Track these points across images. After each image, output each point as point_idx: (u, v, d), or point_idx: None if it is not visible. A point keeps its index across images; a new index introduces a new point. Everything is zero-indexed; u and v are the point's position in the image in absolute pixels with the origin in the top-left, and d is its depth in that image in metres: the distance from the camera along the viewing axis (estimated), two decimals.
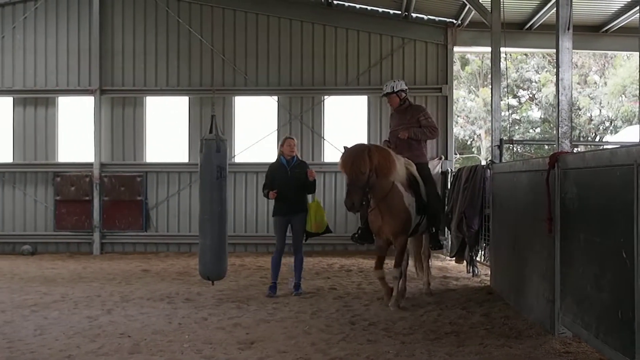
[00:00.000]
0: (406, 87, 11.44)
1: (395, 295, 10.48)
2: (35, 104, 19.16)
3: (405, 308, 10.37)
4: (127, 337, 8.62)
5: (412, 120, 11.18)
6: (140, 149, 19.02)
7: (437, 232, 11.00)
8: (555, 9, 8.72)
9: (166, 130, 19.10)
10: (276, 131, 18.43)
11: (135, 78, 19.05)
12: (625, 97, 33.81)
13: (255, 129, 18.70)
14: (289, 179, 11.73)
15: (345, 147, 10.23)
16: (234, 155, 18.53)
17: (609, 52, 29.79)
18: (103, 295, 11.75)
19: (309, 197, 12.10)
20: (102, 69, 18.93)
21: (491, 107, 13.23)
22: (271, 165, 12.15)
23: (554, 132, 9.53)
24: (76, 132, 19.18)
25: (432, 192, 10.82)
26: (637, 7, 15.78)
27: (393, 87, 11.28)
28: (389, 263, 11.40)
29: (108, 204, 18.76)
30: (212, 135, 11.36)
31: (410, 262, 11.86)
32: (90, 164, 18.74)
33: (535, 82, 37.37)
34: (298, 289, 11.84)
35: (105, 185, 18.73)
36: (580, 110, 34.54)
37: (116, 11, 19.10)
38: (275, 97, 18.86)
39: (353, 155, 9.92)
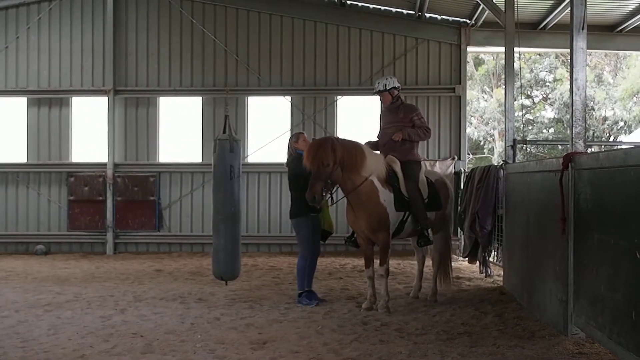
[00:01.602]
0: (399, 85, 11.19)
1: (384, 296, 10.37)
2: (50, 104, 19.23)
3: (392, 312, 10.21)
4: (139, 336, 8.64)
5: (405, 120, 10.94)
6: (154, 149, 19.06)
7: (423, 229, 10.81)
8: (569, 8, 8.69)
9: (179, 130, 19.14)
10: (289, 131, 18.42)
11: (149, 78, 19.09)
12: (638, 98, 33.69)
13: (269, 129, 18.71)
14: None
15: (313, 139, 10.20)
16: (247, 156, 18.55)
17: (622, 52, 29.65)
18: (116, 295, 11.78)
19: None
20: (116, 69, 18.99)
21: (505, 107, 13.20)
22: (296, 162, 10.90)
23: (568, 132, 9.51)
24: (90, 132, 19.25)
25: (413, 189, 10.60)
26: None
27: (385, 85, 11.03)
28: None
29: (121, 204, 18.81)
30: (225, 136, 11.35)
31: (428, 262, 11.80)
32: (104, 164, 18.81)
33: (549, 82, 37.26)
34: (308, 299, 11.08)
35: (119, 185, 18.78)
36: (593, 110, 34.41)
37: (130, 11, 19.16)
38: (289, 97, 18.87)
39: (317, 147, 9.91)
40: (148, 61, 19.10)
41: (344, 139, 10.32)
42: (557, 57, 34.92)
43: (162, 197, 18.88)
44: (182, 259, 17.41)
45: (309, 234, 11.03)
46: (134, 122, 19.10)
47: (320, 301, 11.01)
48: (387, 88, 11.02)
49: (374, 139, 11.32)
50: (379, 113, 11.60)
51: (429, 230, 11.06)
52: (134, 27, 19.15)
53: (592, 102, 33.52)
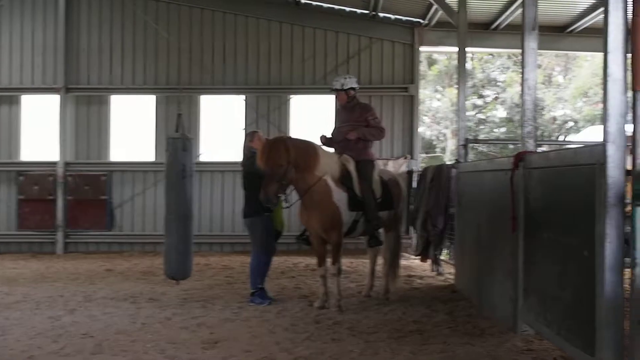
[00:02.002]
0: (357, 86, 11.20)
1: (336, 295, 10.39)
2: None
3: (344, 310, 10.20)
4: (89, 337, 8.54)
5: (360, 119, 10.96)
6: (105, 148, 18.88)
7: (374, 230, 10.86)
8: (521, 9, 8.79)
9: (132, 129, 18.97)
10: (243, 130, 18.37)
11: (101, 76, 18.89)
12: (588, 98, 34.17)
13: (222, 128, 18.65)
14: None
15: (266, 139, 10.22)
16: (200, 154, 18.45)
17: (572, 53, 30.05)
18: (66, 295, 11.63)
19: None
20: (68, 67, 18.76)
21: (457, 106, 13.30)
22: (251, 161, 10.82)
23: (519, 131, 9.60)
24: (40, 130, 19.00)
25: (366, 189, 10.62)
26: (602, 9, 15.91)
27: (343, 85, 11.01)
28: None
29: (72, 203, 18.58)
30: (178, 134, 11.32)
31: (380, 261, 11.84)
32: (54, 163, 18.55)
33: (501, 82, 37.62)
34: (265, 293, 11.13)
35: (70, 184, 18.55)
36: (543, 110, 34.82)
37: (82, 9, 18.93)
38: (242, 96, 18.81)
39: (270, 147, 9.89)
40: (100, 59, 18.89)
41: (297, 139, 10.31)
42: (509, 57, 35.26)
43: (113, 196, 18.70)
44: (133, 258, 17.25)
45: (262, 233, 10.94)
46: (86, 121, 18.89)
47: (272, 300, 10.96)
48: (344, 88, 11.02)
49: (329, 135, 11.34)
50: (335, 111, 11.60)
51: (380, 231, 11.11)
52: (86, 25, 18.93)
53: (542, 103, 33.89)
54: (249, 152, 11.13)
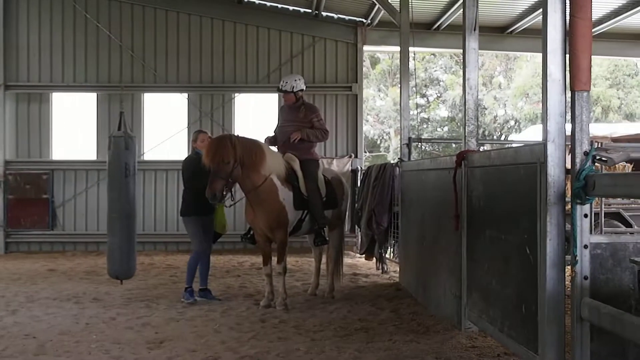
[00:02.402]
0: (304, 87, 11.16)
1: (282, 293, 10.43)
2: None
3: (289, 309, 10.25)
4: (32, 338, 8.44)
5: (305, 120, 10.97)
6: (47, 146, 18.62)
7: (320, 228, 10.89)
8: (462, 10, 8.89)
9: (74, 127, 18.75)
10: (186, 128, 18.29)
11: (42, 74, 18.62)
12: (528, 98, 34.69)
13: (165, 126, 18.53)
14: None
15: (210, 137, 10.22)
16: (143, 153, 18.30)
17: (512, 53, 30.51)
18: (7, 296, 11.46)
19: None
20: (7, 63, 18.44)
21: (400, 106, 13.40)
22: (190, 158, 11.09)
23: (461, 130, 9.71)
24: None
25: (312, 188, 10.68)
26: (540, 10, 16.17)
27: (293, 87, 10.96)
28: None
29: (13, 202, 18.29)
30: (120, 133, 11.24)
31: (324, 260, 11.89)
32: None
33: (443, 82, 38.00)
34: (210, 294, 11.22)
35: (10, 183, 18.25)
36: (485, 109, 35.26)
37: (21, 5, 18.63)
38: (185, 94, 18.72)
39: (216, 144, 9.91)
40: (40, 56, 18.63)
41: (243, 137, 10.29)
42: (451, 57, 35.64)
43: (55, 195, 18.45)
44: (76, 258, 17.05)
45: (198, 231, 10.89)
46: (26, 118, 18.61)
47: (214, 299, 11.00)
48: (294, 90, 11.00)
49: (271, 133, 11.35)
50: (278, 109, 11.55)
51: (325, 229, 11.16)
52: (25, 21, 18.63)
53: (483, 103, 34.33)
54: (192, 151, 11.11)
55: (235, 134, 10.31)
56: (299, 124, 10.94)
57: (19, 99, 18.60)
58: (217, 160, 9.73)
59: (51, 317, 9.75)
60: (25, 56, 18.61)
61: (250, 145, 10.14)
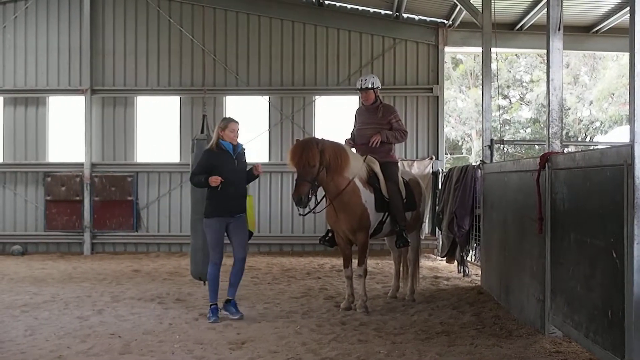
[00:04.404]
0: (380, 86, 11.15)
1: (362, 296, 10.38)
2: (26, 104, 19.11)
3: (370, 311, 10.19)
4: (117, 337, 8.62)
5: (383, 121, 10.94)
6: (131, 149, 18.99)
7: (401, 230, 10.69)
8: (545, 9, 8.74)
9: (157, 130, 19.08)
10: (267, 131, 18.44)
11: (126, 78, 19.02)
12: (613, 99, 33.94)
13: (247, 129, 18.63)
14: (236, 170, 9.86)
15: (297, 140, 10.21)
16: None
17: (598, 53, 29.89)
18: (94, 296, 11.73)
19: None
20: (93, 68, 18.90)
21: (482, 107, 13.25)
22: (208, 151, 9.87)
23: (544, 132, 9.55)
24: (67, 132, 19.16)
25: (394, 190, 10.62)
26: (627, 8, 15.81)
27: (373, 83, 10.96)
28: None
29: (98, 204, 18.72)
30: (203, 135, 11.37)
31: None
32: (81, 164, 18.71)
33: (526, 83, 37.45)
34: (236, 309, 9.99)
35: (96, 185, 18.69)
36: (569, 109, 34.63)
37: (107, 11, 19.07)
38: (267, 97, 18.86)
39: (303, 147, 9.86)
40: (125, 60, 19.02)
41: (328, 140, 10.23)
42: (536, 57, 35.09)
43: (139, 197, 18.80)
44: (160, 259, 17.35)
45: (212, 237, 9.96)
46: (112, 122, 19.02)
47: (235, 314, 9.85)
48: (374, 86, 10.98)
49: (349, 136, 11.32)
50: (356, 111, 11.50)
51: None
52: (111, 26, 19.06)
53: (567, 103, 33.71)
54: (216, 140, 9.85)
55: (321, 137, 10.27)
56: (378, 125, 10.91)
57: (104, 103, 19.01)
58: (303, 164, 9.74)
59: (135, 316, 9.94)
60: (110, 61, 19.02)
61: (335, 148, 10.12)
